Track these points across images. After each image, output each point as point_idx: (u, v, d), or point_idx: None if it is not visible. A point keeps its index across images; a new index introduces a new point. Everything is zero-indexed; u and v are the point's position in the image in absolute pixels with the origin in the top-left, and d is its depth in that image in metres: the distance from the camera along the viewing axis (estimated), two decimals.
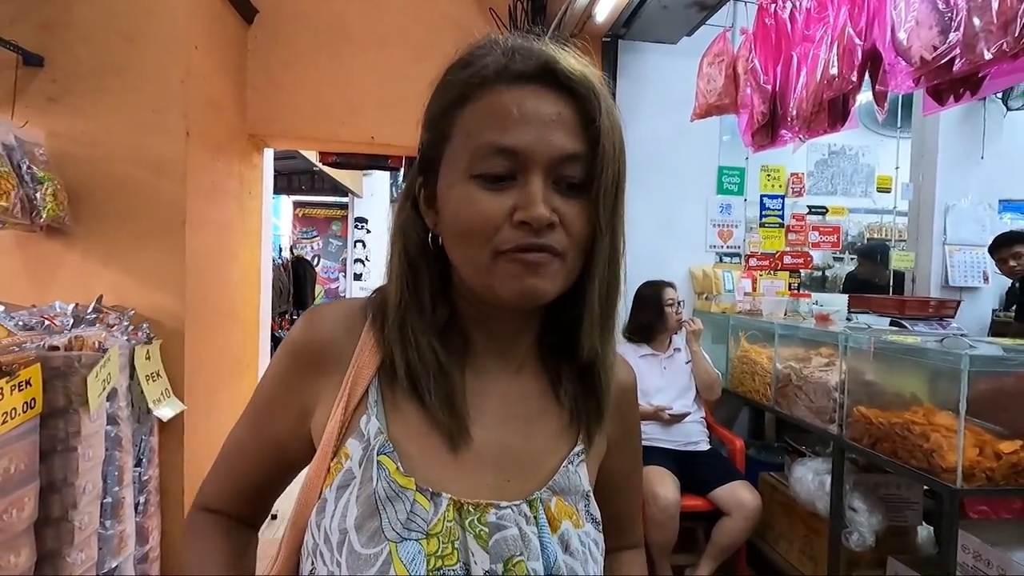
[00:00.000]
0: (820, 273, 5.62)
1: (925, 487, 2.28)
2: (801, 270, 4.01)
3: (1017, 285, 3.39)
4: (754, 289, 3.52)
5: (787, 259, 3.80)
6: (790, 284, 3.59)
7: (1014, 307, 3.60)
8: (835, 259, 5.67)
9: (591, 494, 0.61)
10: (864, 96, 2.30)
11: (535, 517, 0.55)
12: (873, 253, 4.38)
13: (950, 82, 1.77)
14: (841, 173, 3.73)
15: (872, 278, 4.29)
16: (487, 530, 0.53)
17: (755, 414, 3.49)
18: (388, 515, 0.51)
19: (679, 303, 2.96)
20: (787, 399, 2.68)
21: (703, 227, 3.74)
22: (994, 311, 3.82)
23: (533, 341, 0.63)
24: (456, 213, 0.53)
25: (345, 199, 9.18)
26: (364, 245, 9.20)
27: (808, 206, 3.82)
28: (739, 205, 3.75)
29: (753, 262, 3.74)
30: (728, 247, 3.78)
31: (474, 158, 0.52)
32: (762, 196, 3.77)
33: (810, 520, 2.51)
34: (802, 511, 2.54)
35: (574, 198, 0.53)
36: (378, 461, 0.53)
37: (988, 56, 1.51)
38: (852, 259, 4.97)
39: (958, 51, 1.60)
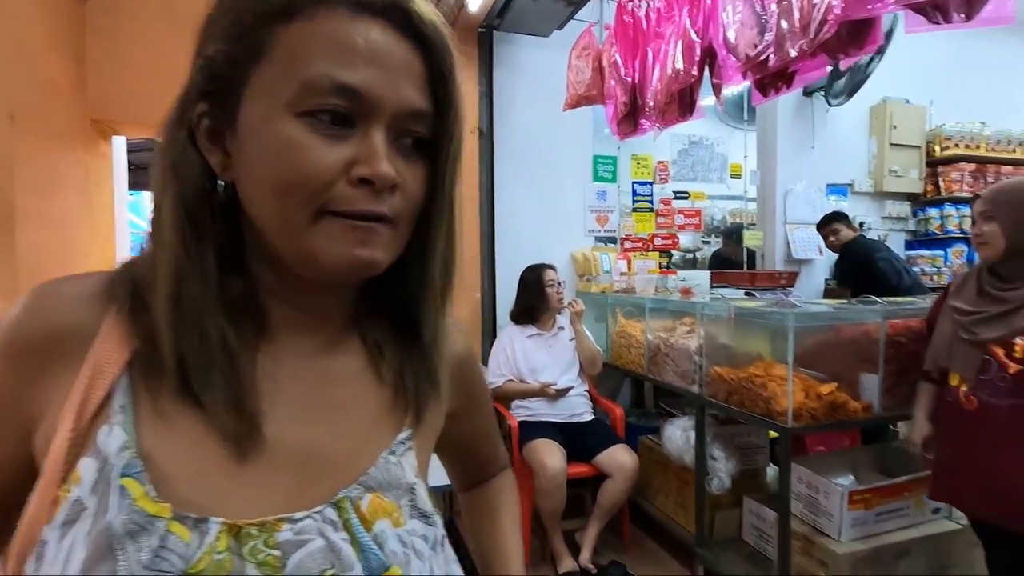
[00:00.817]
0: (692, 255, 6.19)
1: (770, 431, 2.61)
2: (673, 251, 4.38)
3: (838, 256, 3.96)
4: (629, 269, 3.80)
5: (658, 240, 4.13)
6: (660, 263, 3.91)
7: (836, 275, 4.19)
8: (703, 242, 6.28)
9: (418, 486, 0.51)
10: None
11: (345, 521, 0.45)
12: (732, 234, 4.87)
13: (769, 76, 2.04)
14: (700, 161, 4.11)
15: (732, 256, 4.78)
16: (278, 554, 0.42)
17: (635, 384, 3.78)
18: (128, 555, 0.38)
19: (559, 284, 3.12)
20: (658, 367, 2.93)
21: (582, 213, 3.95)
22: (825, 280, 4.42)
23: (350, 315, 0.54)
24: (273, 158, 0.42)
25: None
26: None
27: (673, 191, 4.17)
28: (613, 192, 4.02)
29: (628, 244, 4.02)
30: (605, 231, 4.03)
31: (303, 91, 0.42)
32: (633, 183, 4.06)
33: (681, 473, 2.78)
34: (674, 466, 2.81)
35: (413, 161, 0.47)
36: (120, 485, 0.40)
37: (793, 54, 1.76)
38: (718, 241, 5.52)
39: (772, 49, 1.85)
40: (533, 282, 3.08)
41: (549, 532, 2.69)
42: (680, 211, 4.21)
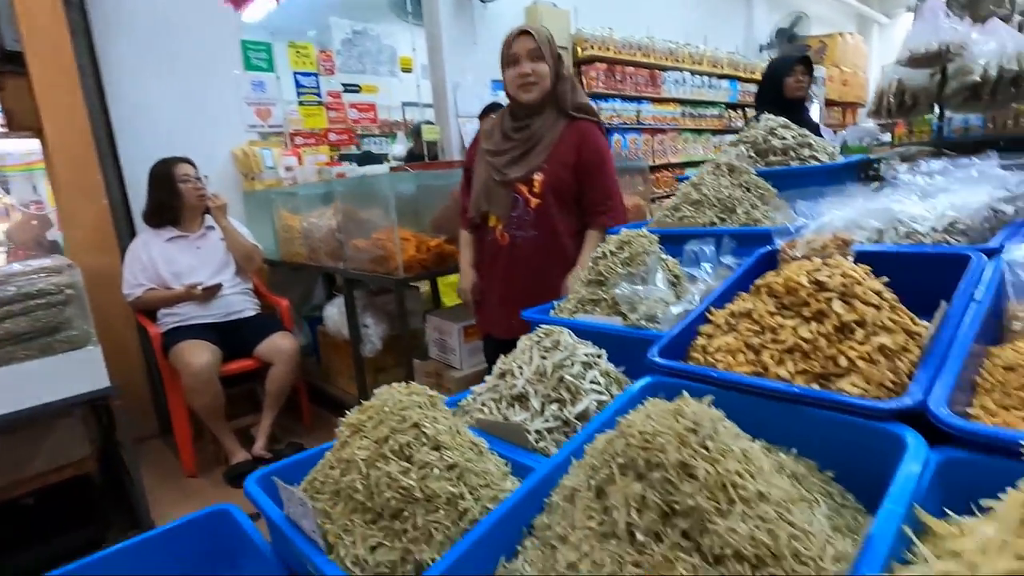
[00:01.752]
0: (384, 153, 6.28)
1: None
2: (356, 148, 4.35)
3: None
4: (301, 164, 3.67)
5: (332, 136, 4.05)
6: (332, 157, 3.87)
7: None
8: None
9: None
10: None
11: None
12: (416, 131, 5.05)
13: None
14: (367, 53, 4.06)
15: (418, 151, 4.99)
16: None
17: (309, 275, 3.75)
18: None
19: (199, 179, 2.85)
20: (316, 252, 2.96)
21: (237, 106, 3.61)
22: None
23: None
24: None
25: None
26: None
27: (343, 84, 4.08)
28: (272, 82, 3.74)
29: (299, 140, 3.86)
30: (270, 126, 3.79)
31: None
32: (295, 74, 3.84)
33: (344, 347, 2.94)
34: (339, 342, 2.96)
35: None
36: None
37: None
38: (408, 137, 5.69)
39: None
40: (162, 178, 2.75)
41: (215, 432, 2.63)
42: (353, 105, 4.17)
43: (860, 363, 0.84)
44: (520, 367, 1.20)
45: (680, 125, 6.61)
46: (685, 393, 0.66)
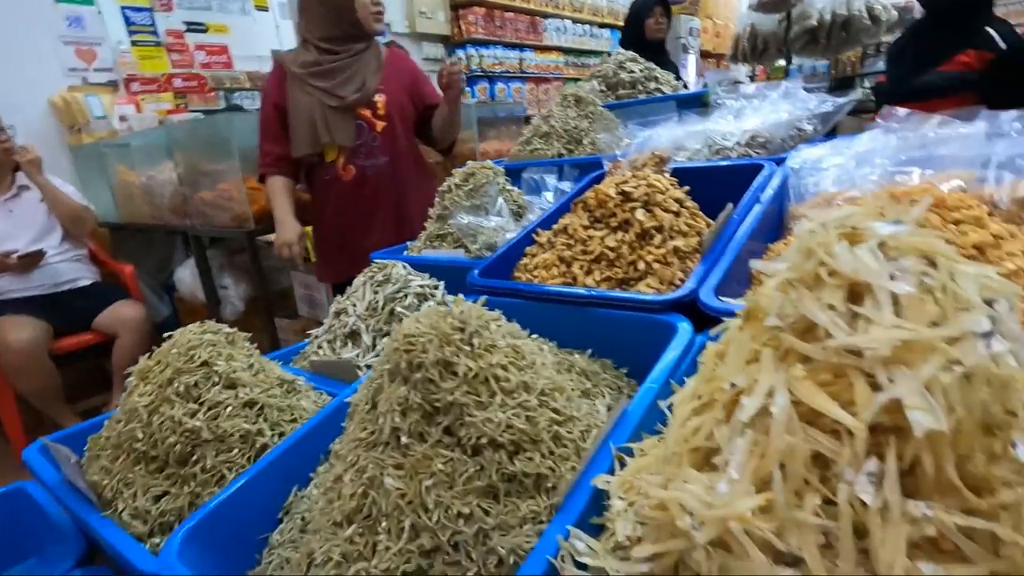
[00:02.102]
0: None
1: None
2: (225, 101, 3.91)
3: None
4: (139, 112, 3.25)
5: (178, 82, 3.62)
6: (179, 105, 3.46)
7: None
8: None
9: None
10: None
11: None
12: None
13: None
14: None
15: None
16: None
17: (164, 239, 3.40)
18: None
19: (1, 130, 2.44)
20: (159, 211, 2.68)
21: (52, 45, 3.10)
22: None
23: None
24: None
25: None
26: None
27: (184, 22, 3.63)
28: (92, 17, 3.24)
29: (136, 87, 3.40)
30: (96, 69, 3.30)
31: None
32: (123, 8, 3.35)
33: (202, 313, 2.72)
34: (197, 307, 2.73)
35: None
36: None
37: None
38: None
39: None
40: None
41: (55, 417, 2.35)
42: (200, 47, 3.73)
43: (656, 265, 0.87)
44: (354, 304, 1.15)
45: (564, 74, 6.63)
46: (460, 296, 0.65)
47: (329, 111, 1.73)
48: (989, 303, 0.31)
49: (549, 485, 0.55)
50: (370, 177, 1.79)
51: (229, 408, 0.77)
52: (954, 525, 0.28)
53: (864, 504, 0.29)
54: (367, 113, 1.76)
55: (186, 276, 2.54)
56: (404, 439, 0.55)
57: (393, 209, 1.83)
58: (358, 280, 1.16)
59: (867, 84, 4.72)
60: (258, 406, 0.80)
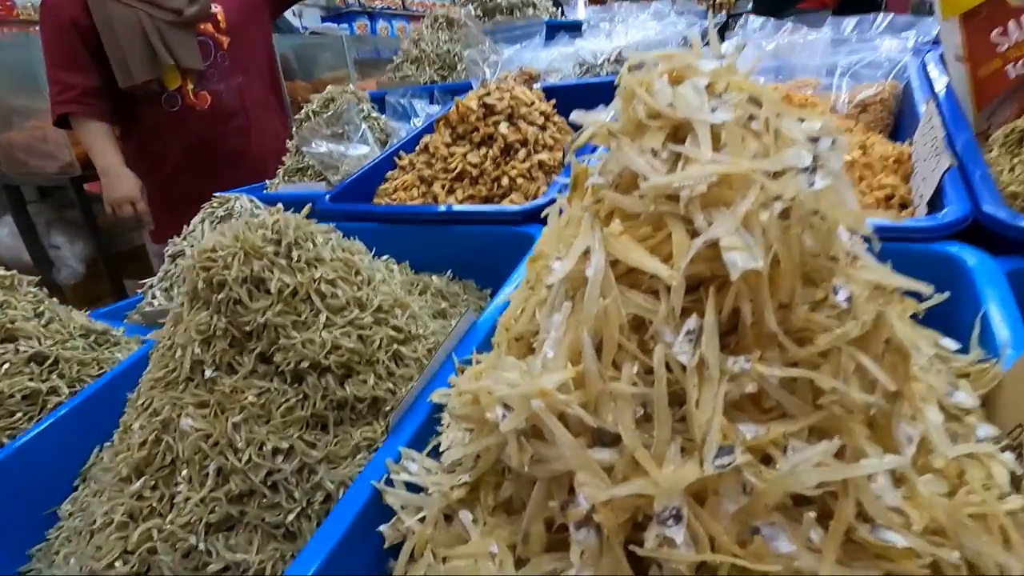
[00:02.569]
0: None
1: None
2: None
3: None
4: None
5: None
6: None
7: None
8: None
9: None
10: None
11: None
12: None
13: None
14: None
15: None
16: None
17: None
18: None
19: None
20: None
21: None
22: None
23: None
24: None
25: None
26: None
27: None
28: None
29: None
30: None
31: None
32: None
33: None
34: (22, 270, 2.35)
35: None
36: None
37: None
38: None
39: None
40: None
41: None
42: None
43: (520, 181, 0.82)
44: (191, 245, 1.00)
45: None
46: (280, 205, 0.55)
47: (165, 27, 1.45)
48: (813, 141, 0.28)
49: (387, 409, 0.49)
50: (227, 103, 1.53)
51: (7, 365, 0.62)
52: (775, 378, 0.25)
53: (684, 369, 0.26)
54: (209, 28, 1.50)
55: (3, 236, 2.14)
56: (209, 372, 0.46)
57: (252, 139, 1.60)
58: (196, 219, 1.01)
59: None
60: (49, 361, 0.66)
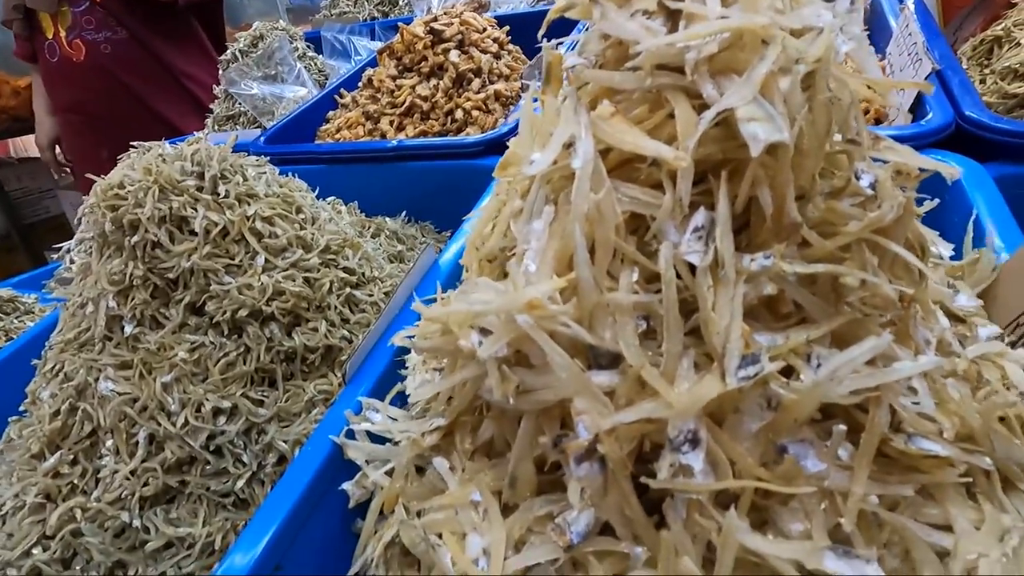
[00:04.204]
0: None
1: None
2: None
3: None
4: None
5: None
6: None
7: None
8: None
9: None
10: None
11: None
12: None
13: None
14: None
15: None
16: None
17: None
18: None
19: None
20: None
21: None
22: None
23: None
24: None
25: None
26: None
27: None
28: None
29: None
30: None
31: None
32: None
33: None
34: None
35: None
36: None
37: None
38: None
39: None
40: None
41: None
42: None
43: (475, 113, 0.76)
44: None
45: None
46: (198, 135, 0.48)
47: None
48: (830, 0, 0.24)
49: (344, 358, 0.44)
50: (108, 57, 1.34)
51: None
52: (795, 275, 0.21)
53: (692, 271, 0.22)
54: None
55: None
56: (129, 328, 0.40)
57: (151, 101, 1.41)
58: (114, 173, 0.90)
59: None
60: None
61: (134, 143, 0.93)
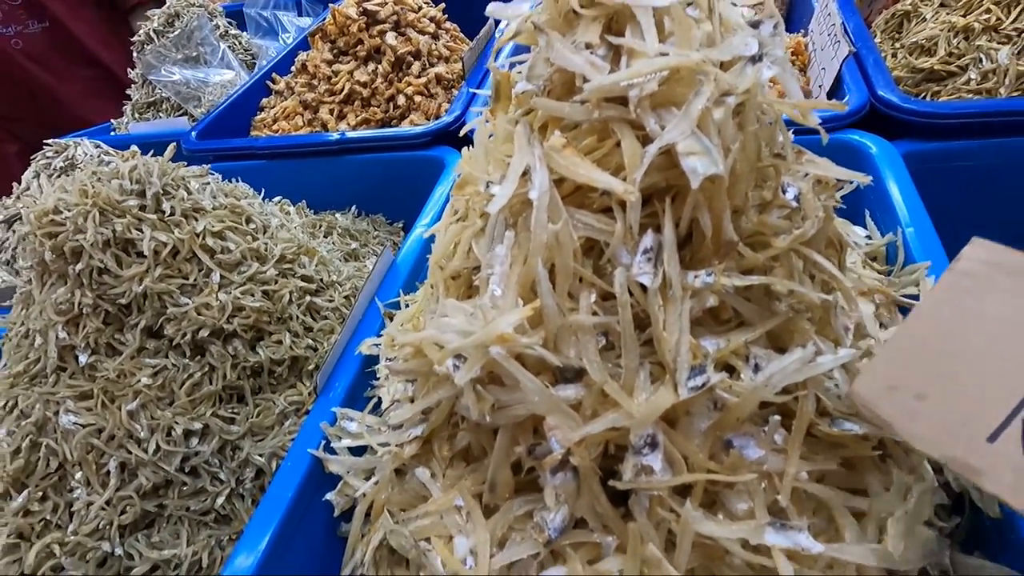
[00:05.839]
0: None
1: None
2: None
3: None
4: None
5: None
6: None
7: None
8: None
9: None
10: None
11: None
12: None
13: None
14: None
15: None
16: None
17: None
18: None
19: None
20: None
21: None
22: None
23: None
24: None
25: None
26: None
27: None
28: None
29: None
30: None
31: None
32: None
33: None
34: None
35: None
36: None
37: None
38: None
39: None
40: None
41: None
42: None
43: (418, 98, 0.75)
44: (27, 208, 0.84)
45: None
46: (134, 148, 0.46)
47: None
48: (755, 26, 0.26)
49: (311, 367, 0.44)
50: (19, 53, 1.23)
51: None
52: (733, 287, 0.24)
53: (644, 290, 0.24)
54: None
55: None
56: (84, 358, 0.39)
57: (67, 95, 1.30)
58: (28, 173, 0.84)
59: None
60: None
61: (47, 141, 0.87)
